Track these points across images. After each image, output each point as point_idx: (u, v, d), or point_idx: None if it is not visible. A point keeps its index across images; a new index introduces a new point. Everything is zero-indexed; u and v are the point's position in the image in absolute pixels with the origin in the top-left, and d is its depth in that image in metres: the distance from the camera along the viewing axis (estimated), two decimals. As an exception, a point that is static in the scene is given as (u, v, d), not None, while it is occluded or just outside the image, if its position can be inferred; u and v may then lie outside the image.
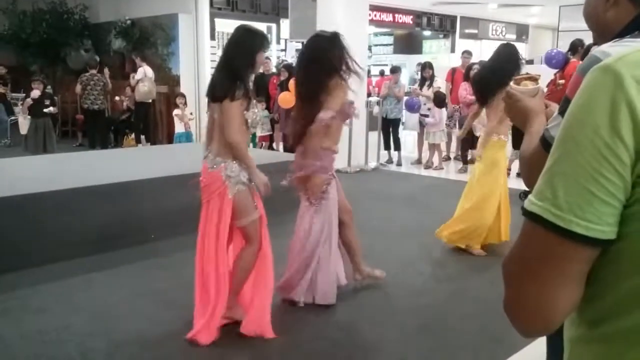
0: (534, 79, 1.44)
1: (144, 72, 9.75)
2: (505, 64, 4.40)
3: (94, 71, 9.81)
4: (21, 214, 4.18)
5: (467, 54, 9.30)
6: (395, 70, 9.29)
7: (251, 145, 9.35)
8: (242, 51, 3.00)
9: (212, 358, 2.93)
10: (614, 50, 0.98)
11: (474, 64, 8.03)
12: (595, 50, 1.04)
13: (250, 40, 3.05)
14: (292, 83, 7.32)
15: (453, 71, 9.35)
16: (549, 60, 6.82)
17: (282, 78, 8.89)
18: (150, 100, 10.03)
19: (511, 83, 1.42)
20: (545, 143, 1.07)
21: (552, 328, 0.76)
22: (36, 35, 11.48)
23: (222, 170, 3.01)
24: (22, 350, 2.96)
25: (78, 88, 9.77)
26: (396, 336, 3.21)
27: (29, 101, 8.38)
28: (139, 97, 9.85)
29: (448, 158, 9.52)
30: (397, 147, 9.10)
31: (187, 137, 9.20)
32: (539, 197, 0.72)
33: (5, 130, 11.07)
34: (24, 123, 8.39)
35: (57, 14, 11.76)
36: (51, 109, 8.73)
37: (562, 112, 1.06)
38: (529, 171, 1.15)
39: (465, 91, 7.83)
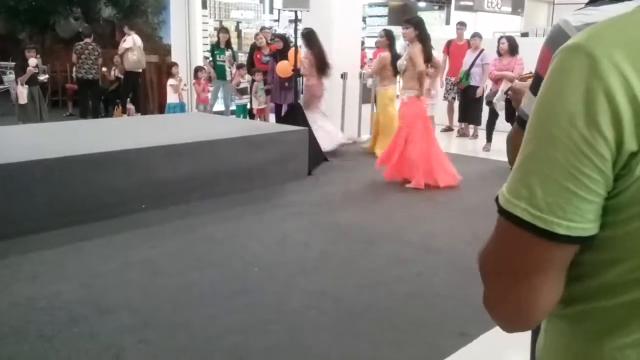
0: None
1: (133, 41, 9.58)
2: None
3: (88, 40, 9.66)
4: (12, 182, 4.15)
5: (461, 25, 9.21)
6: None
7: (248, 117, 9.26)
8: None
9: (200, 321, 2.95)
10: (575, 19, 0.96)
11: (502, 37, 7.96)
12: (560, 19, 1.02)
13: None
14: (291, 53, 7.28)
15: (449, 43, 9.27)
16: None
17: (278, 48, 8.74)
18: (140, 70, 9.88)
19: (516, 80, 1.51)
20: (520, 120, 1.06)
21: (534, 325, 0.74)
22: (24, 2, 11.27)
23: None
24: (12, 317, 2.97)
25: (74, 57, 9.63)
26: (386, 303, 3.25)
27: (31, 70, 8.29)
28: (128, 67, 9.70)
29: (449, 129, 9.51)
30: None
31: (182, 107, 9.09)
32: (514, 194, 0.67)
33: (-6, 99, 10.93)
34: (23, 92, 8.28)
35: (46, -19, 11.54)
36: (45, 76, 8.64)
37: (534, 90, 1.03)
38: (512, 150, 1.14)
39: (494, 67, 7.69)
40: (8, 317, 2.97)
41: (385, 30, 7.37)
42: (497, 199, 0.70)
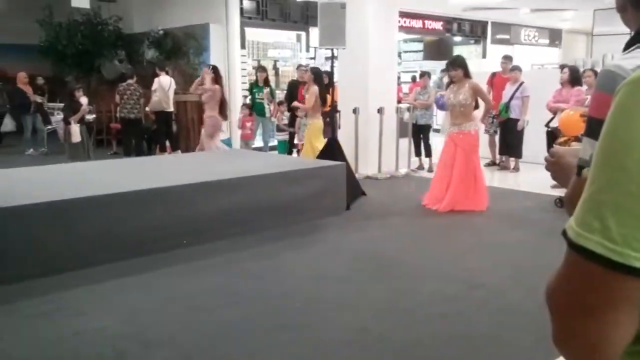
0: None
1: (159, 82, 9.88)
2: None
3: (131, 81, 10.02)
4: (60, 219, 4.28)
5: (505, 58, 9.18)
6: (422, 75, 9.23)
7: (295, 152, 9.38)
8: None
9: (240, 357, 2.95)
10: (627, 62, 0.96)
11: (564, 66, 7.83)
12: (608, 65, 1.01)
13: None
14: (336, 89, 7.62)
15: (493, 75, 9.25)
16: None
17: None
18: (167, 110, 10.07)
19: (555, 145, 1.46)
20: (580, 169, 1.04)
21: None
22: (71, 46, 11.79)
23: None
24: (59, 351, 3.03)
25: (117, 98, 10.01)
26: (428, 342, 3.18)
27: (85, 109, 8.68)
28: (150, 107, 10.02)
29: (493, 163, 9.40)
30: (428, 154, 9.02)
31: (229, 143, 9.28)
32: (585, 228, 0.65)
33: (42, 139, 11.38)
34: (76, 131, 8.65)
35: (92, 25, 12.06)
36: (92, 116, 9.06)
37: (590, 134, 1.02)
38: (573, 204, 1.10)
39: (554, 98, 7.39)
40: (55, 352, 3.03)
41: (311, 67, 8.07)
42: (564, 233, 0.68)
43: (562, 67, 7.92)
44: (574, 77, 7.35)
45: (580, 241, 0.65)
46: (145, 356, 2.97)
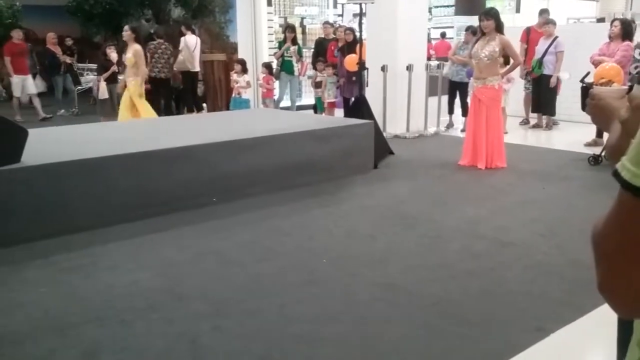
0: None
1: (185, 42, 9.82)
2: None
3: (160, 40, 9.99)
4: (93, 176, 4.35)
5: (545, 13, 8.82)
6: (467, 29, 8.89)
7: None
8: None
9: (270, 310, 3.00)
10: None
11: (615, 19, 7.46)
12: None
13: None
14: (364, 46, 7.34)
15: (528, 31, 8.88)
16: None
17: (347, 41, 8.71)
18: (193, 70, 10.03)
19: (596, 85, 1.40)
20: None
21: None
22: (99, 6, 11.79)
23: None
24: (94, 302, 3.12)
25: (147, 56, 9.99)
26: (457, 297, 3.18)
27: (114, 68, 8.76)
28: (176, 67, 10.00)
29: (528, 122, 9.15)
30: (465, 113, 8.81)
31: (246, 103, 9.15)
32: None
33: (72, 99, 11.53)
34: (103, 88, 8.76)
35: (118, -16, 12.02)
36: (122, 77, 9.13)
37: None
38: (621, 153, 1.05)
39: (600, 51, 7.04)
40: (91, 303, 3.12)
41: (129, 25, 7.77)
42: (615, 174, 0.65)
43: (612, 20, 7.52)
44: (626, 31, 6.99)
45: (635, 181, 0.62)
46: (176, 308, 3.05)
